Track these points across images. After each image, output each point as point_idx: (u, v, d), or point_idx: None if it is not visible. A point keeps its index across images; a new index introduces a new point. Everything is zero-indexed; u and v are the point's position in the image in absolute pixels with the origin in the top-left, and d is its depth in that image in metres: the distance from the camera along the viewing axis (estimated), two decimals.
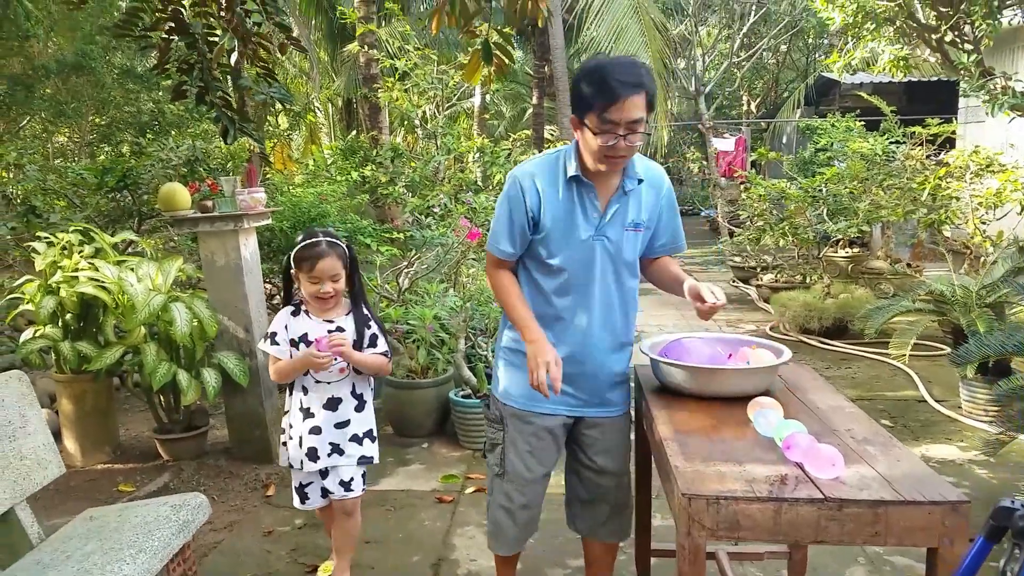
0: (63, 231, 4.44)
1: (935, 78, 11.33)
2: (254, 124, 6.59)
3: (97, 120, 11.54)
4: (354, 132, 18.35)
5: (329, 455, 2.68)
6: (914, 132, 7.66)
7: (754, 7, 13.08)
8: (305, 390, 2.70)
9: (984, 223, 6.15)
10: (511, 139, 7.63)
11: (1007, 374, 4.35)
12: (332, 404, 2.69)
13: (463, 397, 4.26)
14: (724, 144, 13.26)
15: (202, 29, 4.78)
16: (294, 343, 2.66)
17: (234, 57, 4.68)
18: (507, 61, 3.59)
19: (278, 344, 2.66)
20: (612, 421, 2.35)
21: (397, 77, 7.51)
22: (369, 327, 2.71)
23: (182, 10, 4.71)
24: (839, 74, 6.44)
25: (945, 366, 5.05)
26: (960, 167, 6.45)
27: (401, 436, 4.46)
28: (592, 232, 2.18)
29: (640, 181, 2.22)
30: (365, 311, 2.73)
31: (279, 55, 5.74)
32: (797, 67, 19.19)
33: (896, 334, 4.51)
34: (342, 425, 2.70)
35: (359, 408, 2.74)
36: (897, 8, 5.08)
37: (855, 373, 5.56)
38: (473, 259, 5.01)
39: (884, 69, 5.70)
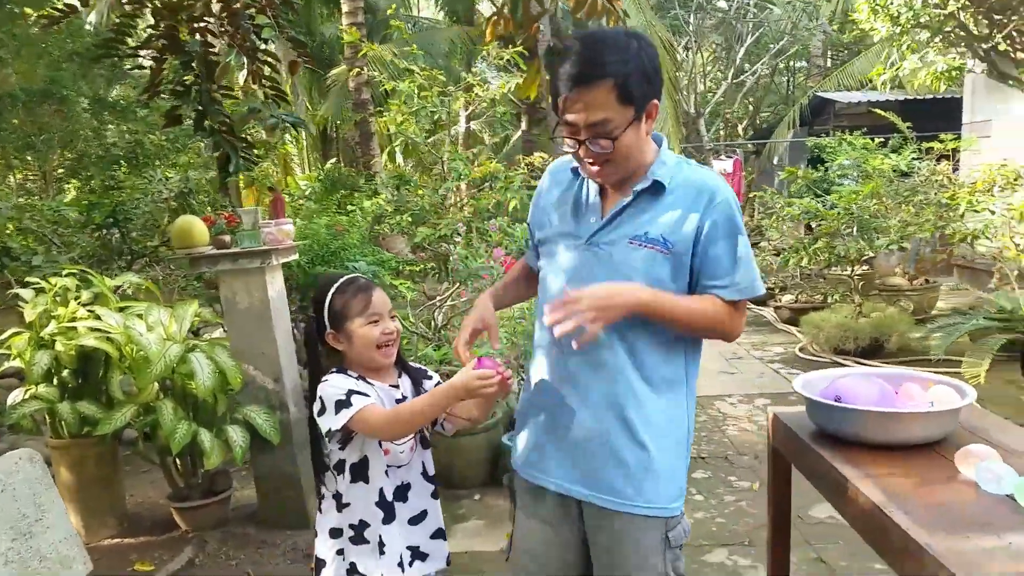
0: (53, 274, 3.99)
1: (930, 96, 11.31)
2: (258, 152, 6.18)
3: (66, 154, 10.98)
4: (332, 161, 17.98)
5: (411, 564, 1.94)
6: (931, 148, 7.49)
7: (750, 28, 13.03)
8: (363, 472, 1.88)
9: (1018, 237, 5.94)
10: (523, 163, 7.28)
11: None
12: (401, 493, 1.94)
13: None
14: (724, 166, 13.10)
15: (200, 47, 4.40)
16: None
17: (241, 77, 4.22)
18: None
19: (367, 395, 1.82)
20: (626, 521, 1.70)
21: (402, 100, 7.15)
22: (430, 376, 2.07)
23: (177, 26, 4.30)
24: (882, 86, 6.21)
25: (990, 383, 4.73)
26: (988, 181, 6.26)
27: (448, 488, 4.03)
28: (584, 239, 1.72)
29: (661, 187, 1.67)
30: (407, 361, 2.08)
31: (289, 74, 5.36)
32: (779, 90, 19.28)
33: (969, 353, 4.21)
34: (417, 520, 1.97)
35: (434, 495, 2.02)
36: (945, 17, 4.87)
37: None
38: None
39: (925, 82, 5.48)
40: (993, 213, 5.95)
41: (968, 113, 9.49)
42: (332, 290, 1.91)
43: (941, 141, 7.48)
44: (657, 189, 1.67)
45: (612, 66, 1.52)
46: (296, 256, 3.99)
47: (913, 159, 7.11)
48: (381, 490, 1.88)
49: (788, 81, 20.86)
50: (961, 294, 8.91)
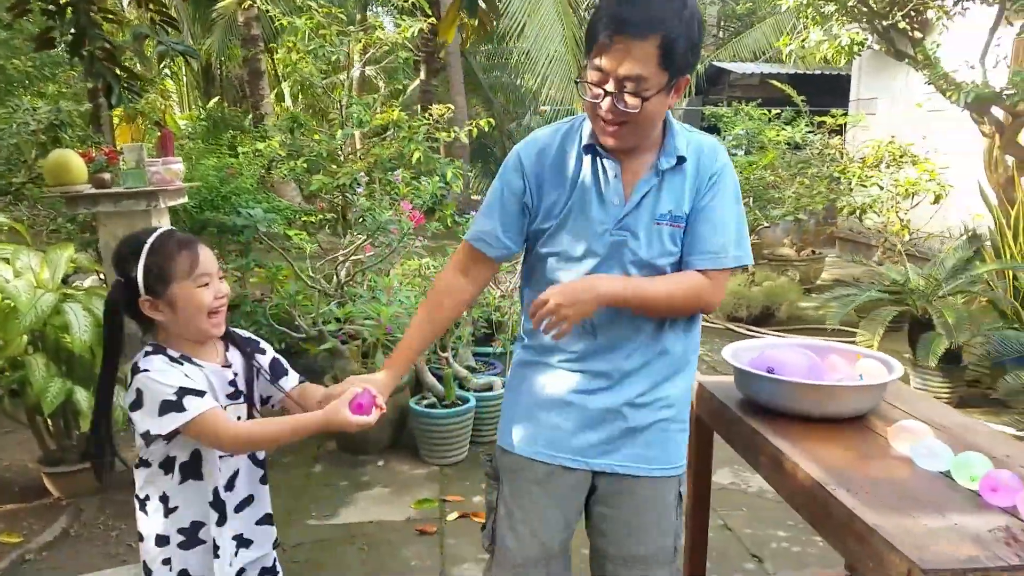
0: None
1: (819, 71, 11.75)
2: (145, 82, 5.64)
3: None
4: (215, 100, 16.90)
5: (236, 554, 1.68)
6: (823, 122, 7.78)
7: None
8: (195, 469, 1.62)
9: (903, 212, 6.29)
10: (436, 111, 7.01)
11: (956, 362, 4.38)
12: (230, 482, 1.68)
13: (427, 407, 3.74)
14: None
15: None
16: None
17: None
18: (492, 10, 3.09)
19: (204, 392, 1.53)
20: (651, 484, 1.73)
21: (299, 37, 6.72)
22: (263, 350, 1.78)
23: None
24: (787, 57, 6.33)
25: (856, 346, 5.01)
26: (876, 157, 6.56)
27: (349, 452, 3.87)
28: (610, 224, 1.62)
29: (681, 160, 1.61)
30: (234, 331, 1.74)
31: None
32: None
33: (863, 323, 4.42)
34: (243, 506, 1.70)
35: (263, 479, 1.77)
36: None
37: None
38: (419, 248, 4.46)
39: (826, 54, 5.62)
40: (881, 188, 6.24)
41: (855, 90, 9.93)
42: (147, 247, 1.56)
43: (832, 116, 7.79)
44: (680, 164, 1.62)
45: (667, 23, 1.43)
46: (185, 199, 3.66)
47: (807, 132, 7.36)
48: (216, 489, 1.63)
49: None
50: (842, 265, 9.42)
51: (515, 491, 1.77)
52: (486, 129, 6.81)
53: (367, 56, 8.04)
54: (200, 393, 1.52)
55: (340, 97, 7.12)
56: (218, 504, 1.63)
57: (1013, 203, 4.75)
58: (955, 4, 4.79)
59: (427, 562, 2.86)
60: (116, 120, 9.10)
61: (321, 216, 5.64)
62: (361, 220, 4.42)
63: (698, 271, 1.62)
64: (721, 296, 1.69)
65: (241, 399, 1.69)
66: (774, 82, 8.46)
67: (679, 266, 1.65)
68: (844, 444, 1.70)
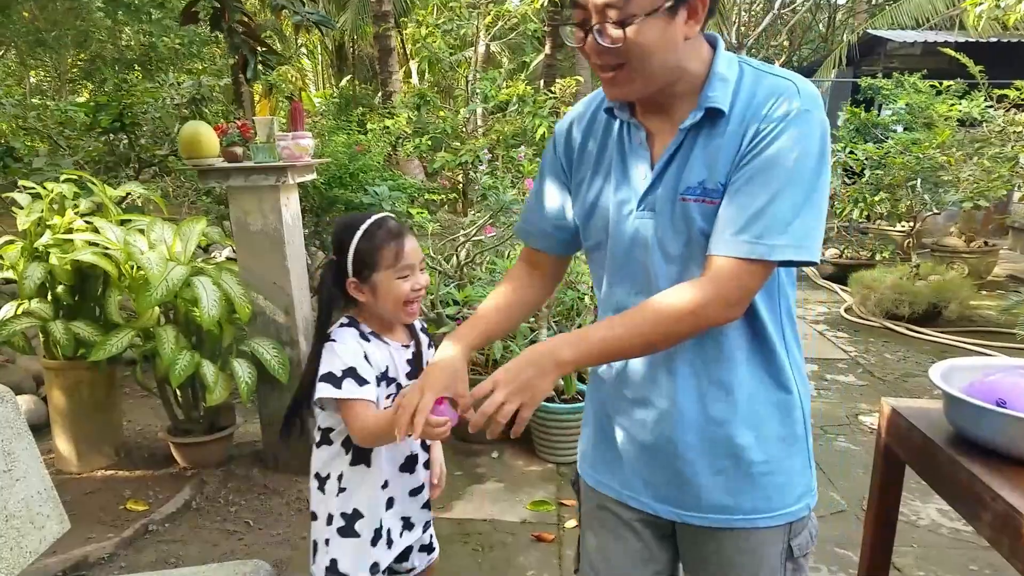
0: (51, 180, 3.59)
1: (995, 39, 10.52)
2: (280, 56, 5.68)
3: (79, 55, 10.45)
4: (348, 78, 17.28)
5: (401, 535, 1.77)
6: (1004, 95, 6.87)
7: None
8: (363, 453, 1.70)
9: None
10: (557, 87, 6.73)
11: None
12: (410, 465, 1.76)
13: (545, 400, 3.50)
14: None
15: None
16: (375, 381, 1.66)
17: None
18: None
19: (367, 382, 1.59)
20: (736, 537, 1.33)
21: (429, 10, 6.59)
22: (427, 337, 1.84)
23: None
24: (973, 23, 5.58)
25: None
26: None
27: (464, 441, 3.70)
28: (634, 205, 1.26)
29: (716, 113, 1.19)
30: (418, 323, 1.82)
31: None
32: (817, 27, 18.28)
33: None
34: (417, 491, 1.79)
35: (426, 464, 1.83)
36: None
37: None
38: None
39: (1021, 17, 4.87)
40: None
41: None
42: (359, 232, 1.64)
43: (1016, 88, 6.86)
44: (714, 118, 1.20)
45: None
46: (314, 175, 3.56)
47: (986, 107, 6.52)
48: (385, 479, 1.71)
49: (829, 17, 19.80)
50: (1017, 259, 8.42)
51: (586, 514, 1.51)
52: None
53: (494, 30, 7.82)
54: (362, 381, 1.59)
55: (466, 72, 6.95)
56: (386, 490, 1.72)
57: None
58: None
59: (544, 574, 2.62)
60: (256, 96, 9.37)
61: (443, 195, 5.50)
62: (483, 198, 4.22)
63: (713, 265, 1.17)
64: (741, 298, 1.17)
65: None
66: (944, 50, 7.56)
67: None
68: None
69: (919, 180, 5.69)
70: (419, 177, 9.90)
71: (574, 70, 12.82)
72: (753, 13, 13.61)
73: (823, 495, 3.20)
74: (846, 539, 2.82)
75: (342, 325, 1.70)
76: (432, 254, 4.06)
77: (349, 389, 1.57)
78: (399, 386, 1.69)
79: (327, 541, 1.71)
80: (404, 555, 1.82)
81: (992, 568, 2.62)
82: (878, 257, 6.84)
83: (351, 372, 1.59)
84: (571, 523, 2.95)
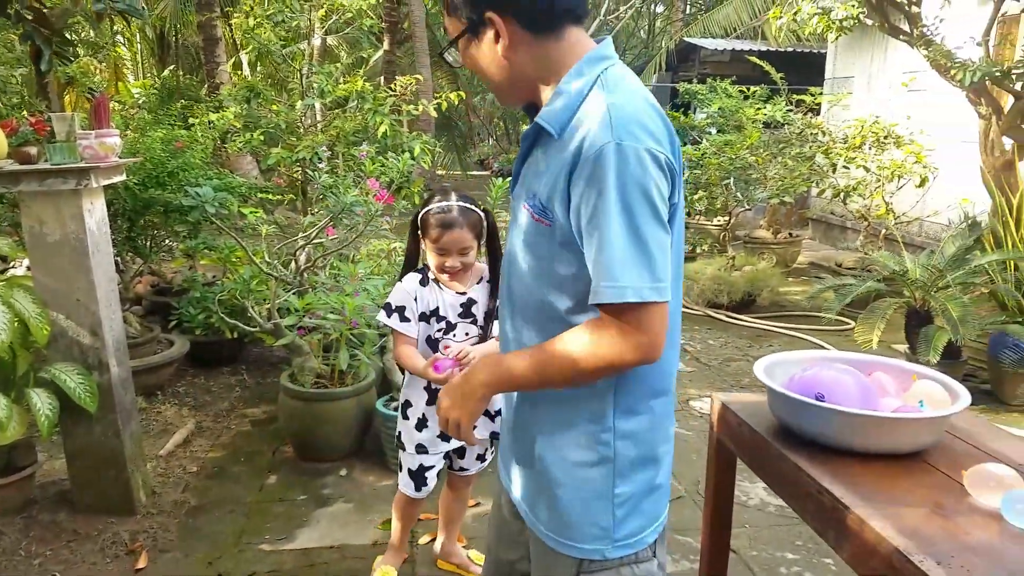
0: None
1: (792, 48, 11.52)
2: (82, 50, 5.14)
3: None
4: (171, 68, 16.13)
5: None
6: (801, 100, 7.53)
7: None
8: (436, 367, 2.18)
9: (889, 195, 6.08)
10: (398, 84, 6.57)
11: (955, 356, 4.18)
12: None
13: (395, 409, 3.39)
14: None
15: None
16: (424, 317, 2.29)
17: None
18: None
19: (408, 320, 2.25)
20: (535, 542, 1.41)
21: (258, 1, 6.23)
22: None
23: None
24: (774, 34, 6.02)
25: (853, 341, 4.74)
26: (860, 137, 6.33)
27: (308, 460, 3.50)
28: (511, 189, 1.41)
29: (543, 134, 1.25)
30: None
31: None
32: (639, 34, 19.27)
33: (862, 316, 4.17)
34: None
35: None
36: None
37: (780, 351, 5.27)
38: (386, 229, 4.08)
39: (816, 30, 5.34)
40: (867, 170, 6.01)
41: (831, 68, 9.71)
42: (426, 207, 2.24)
43: (811, 94, 7.55)
44: (544, 135, 1.25)
45: None
46: (123, 177, 3.24)
47: (787, 111, 7.11)
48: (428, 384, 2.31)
49: (649, 25, 20.96)
50: (816, 248, 9.26)
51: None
52: (455, 103, 6.44)
53: (328, 23, 7.56)
54: (404, 319, 2.26)
55: (301, 66, 6.66)
56: (429, 390, 2.33)
57: (1011, 188, 4.54)
58: None
59: None
60: (57, 88, 8.47)
61: (279, 194, 5.22)
62: (323, 198, 4.03)
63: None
64: (631, 344, 1.14)
65: (470, 320, 2.30)
66: (750, 58, 8.18)
67: (562, 278, 1.25)
68: (914, 492, 1.42)
69: (732, 179, 6.11)
70: (252, 174, 9.38)
71: (414, 67, 12.70)
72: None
73: None
74: (685, 525, 2.93)
75: (413, 270, 2.32)
76: (267, 259, 3.82)
77: (392, 320, 2.25)
78: (449, 323, 2.27)
79: (397, 420, 2.42)
80: (461, 452, 2.46)
81: (815, 542, 2.82)
82: (699, 250, 7.27)
83: (400, 310, 2.25)
84: (424, 539, 2.86)
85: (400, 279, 2.31)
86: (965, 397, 1.58)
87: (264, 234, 3.78)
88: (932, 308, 4.06)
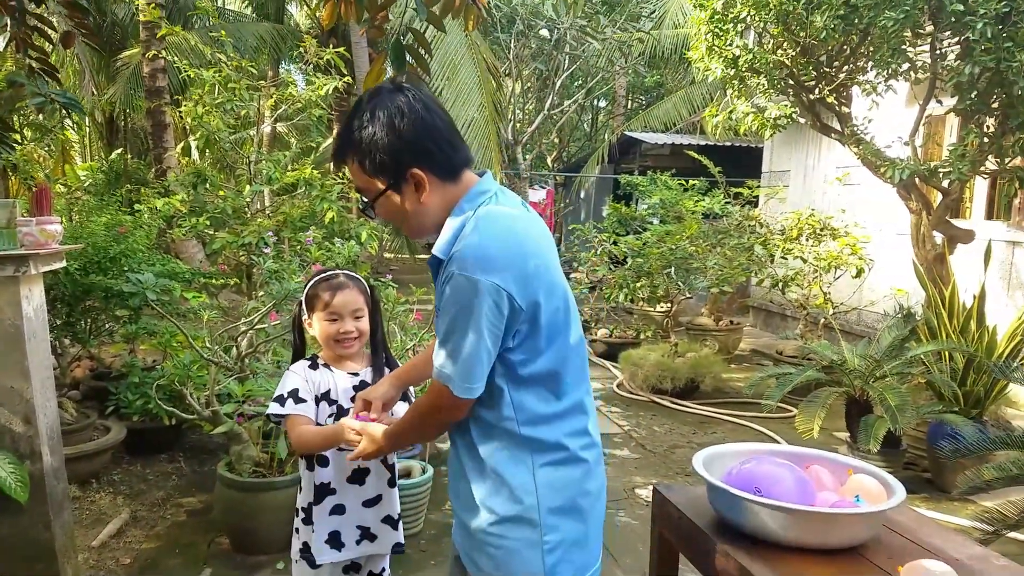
0: None
1: (729, 143, 12.10)
2: (29, 135, 5.11)
3: None
4: (118, 152, 16.05)
5: (358, 542, 2.11)
6: (739, 193, 7.88)
7: (566, 61, 13.21)
8: (323, 460, 2.09)
9: (827, 285, 6.33)
10: (346, 173, 6.70)
11: (895, 445, 4.29)
12: (359, 476, 2.11)
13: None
14: (537, 196, 13.18)
15: None
16: (315, 401, 2.12)
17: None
18: (422, 68, 2.82)
19: (304, 400, 2.06)
20: None
21: (206, 90, 6.32)
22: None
23: None
24: (712, 130, 6.34)
25: (795, 428, 4.84)
26: (797, 229, 6.62)
27: (243, 552, 3.38)
28: None
29: (445, 257, 1.54)
30: (386, 360, 2.24)
31: (62, 47, 4.42)
32: (583, 127, 19.97)
33: (802, 405, 4.27)
34: (372, 503, 2.12)
35: (391, 482, 2.16)
36: (776, 64, 5.01)
37: (724, 439, 5.34)
38: None
39: (751, 127, 5.65)
40: (805, 261, 6.26)
41: (768, 162, 10.21)
42: (312, 281, 2.16)
43: (748, 187, 7.91)
44: (439, 262, 1.55)
45: (350, 141, 1.56)
46: (63, 263, 3.20)
47: (725, 203, 7.42)
48: (317, 472, 2.08)
49: (592, 118, 21.78)
50: (757, 335, 9.49)
51: None
52: None
53: (278, 112, 7.71)
54: (301, 399, 2.05)
55: (249, 153, 6.73)
56: (320, 489, 2.08)
57: (943, 280, 4.77)
58: (886, 80, 4.85)
59: None
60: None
61: (223, 280, 5.17)
62: (267, 283, 4.02)
63: None
64: (439, 409, 1.59)
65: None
66: (689, 152, 8.56)
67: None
68: None
69: (673, 268, 6.29)
70: (198, 257, 9.27)
71: None
72: (527, 112, 14.62)
73: (609, 573, 3.30)
74: None
75: (301, 358, 2.19)
76: (209, 344, 3.75)
77: (290, 407, 2.03)
78: (340, 407, 2.08)
79: (297, 530, 2.15)
80: (354, 568, 2.18)
81: None
82: (642, 336, 7.39)
83: (294, 393, 2.05)
84: None
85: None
86: (900, 492, 1.64)
87: (206, 319, 3.74)
88: (871, 397, 4.18)
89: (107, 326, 4.87)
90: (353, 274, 2.19)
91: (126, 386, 4.57)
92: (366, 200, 1.60)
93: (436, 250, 1.53)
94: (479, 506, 1.55)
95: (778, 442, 5.06)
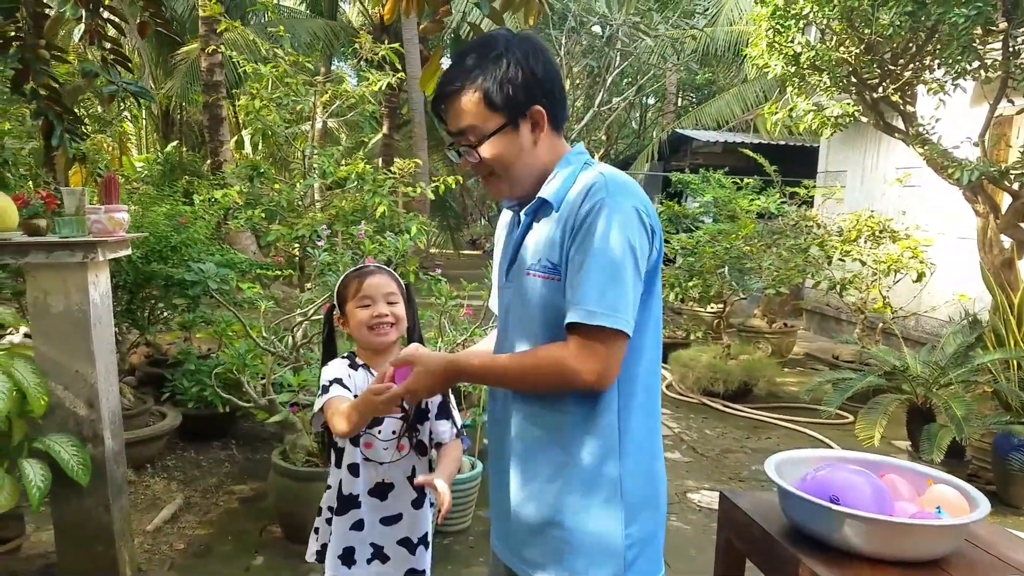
0: None
1: (784, 142, 11.86)
2: (91, 127, 5.24)
3: None
4: (174, 144, 16.43)
5: (369, 561, 1.96)
6: (795, 192, 7.72)
7: (618, 57, 13.11)
8: (354, 469, 1.95)
9: (886, 289, 6.16)
10: (397, 167, 6.73)
11: (959, 456, 4.16)
12: (381, 491, 1.96)
13: None
14: None
15: None
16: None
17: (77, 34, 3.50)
18: None
19: (349, 389, 1.87)
20: None
21: (263, 84, 6.41)
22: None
23: None
24: (770, 128, 6.22)
25: (853, 435, 4.73)
26: (856, 230, 6.45)
27: (296, 542, 3.42)
28: (503, 279, 1.62)
29: (548, 205, 1.47)
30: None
31: (139, 36, 4.52)
32: (632, 124, 19.82)
33: (863, 412, 4.15)
34: (390, 521, 1.97)
35: (417, 503, 2.00)
36: (839, 61, 4.88)
37: (778, 444, 5.23)
38: None
39: (811, 125, 5.52)
40: (863, 264, 6.10)
41: (824, 162, 9.98)
42: (344, 276, 2.04)
43: (804, 187, 7.73)
44: (545, 207, 1.49)
45: (474, 73, 1.46)
46: (129, 251, 3.26)
47: (781, 203, 7.26)
48: (340, 481, 1.95)
49: (641, 116, 21.57)
50: (810, 339, 9.29)
51: None
52: (452, 186, 6.60)
53: (332, 108, 7.79)
54: (346, 387, 1.87)
55: (303, 147, 6.81)
56: (340, 497, 1.95)
57: (1011, 286, 4.60)
58: (955, 79, 4.69)
59: None
60: (64, 164, 8.60)
61: (277, 271, 5.24)
62: (321, 274, 4.06)
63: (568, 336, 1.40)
64: (594, 365, 1.36)
65: (399, 413, 1.83)
66: (744, 150, 8.40)
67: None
68: None
69: (726, 268, 6.18)
70: (251, 249, 9.44)
71: (411, 151, 12.99)
72: (575, 109, 14.57)
73: None
74: None
75: (339, 357, 2.00)
76: (264, 334, 3.80)
77: (334, 391, 1.84)
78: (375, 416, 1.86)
79: (316, 529, 2.06)
80: None
81: None
82: (692, 337, 7.29)
83: (335, 381, 1.87)
84: None
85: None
86: (984, 504, 1.57)
87: (263, 310, 3.79)
88: (934, 405, 4.05)
89: (164, 314, 4.98)
90: (383, 266, 2.09)
91: (182, 373, 4.66)
92: (470, 141, 1.47)
93: (548, 195, 1.46)
94: (574, 488, 1.46)
95: (833, 449, 4.94)
